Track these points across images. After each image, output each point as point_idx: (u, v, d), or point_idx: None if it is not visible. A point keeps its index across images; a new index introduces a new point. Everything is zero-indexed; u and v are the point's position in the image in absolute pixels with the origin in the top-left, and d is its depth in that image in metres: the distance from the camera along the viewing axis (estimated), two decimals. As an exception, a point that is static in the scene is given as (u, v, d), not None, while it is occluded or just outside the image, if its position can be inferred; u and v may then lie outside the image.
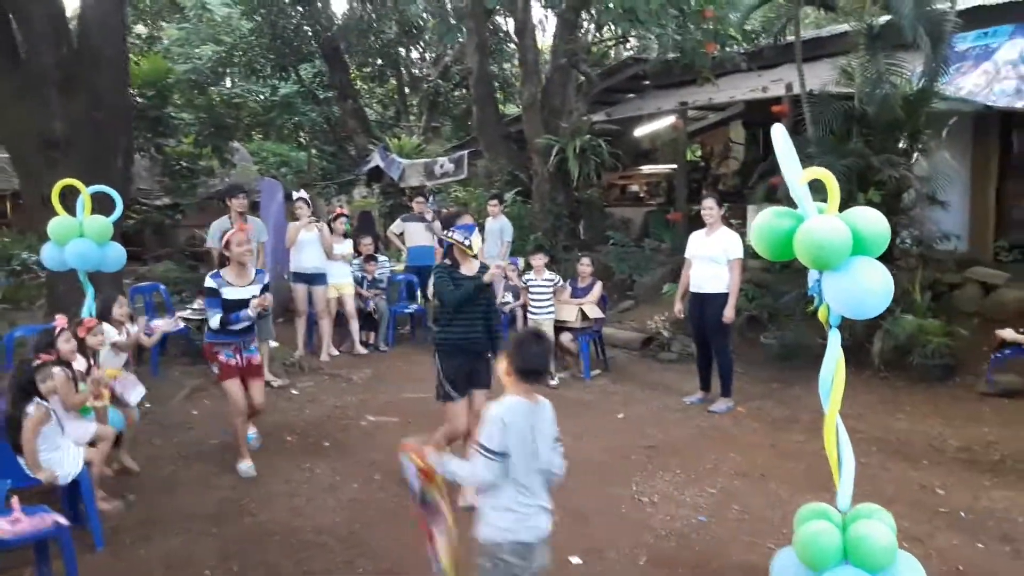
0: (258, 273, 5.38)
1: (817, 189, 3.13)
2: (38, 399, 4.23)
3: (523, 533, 2.89)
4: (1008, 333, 6.39)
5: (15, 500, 3.79)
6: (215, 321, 5.09)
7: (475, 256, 4.80)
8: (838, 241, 2.93)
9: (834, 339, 3.20)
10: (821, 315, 3.24)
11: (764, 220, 3.19)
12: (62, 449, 4.31)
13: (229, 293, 5.13)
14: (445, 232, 4.79)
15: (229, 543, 4.33)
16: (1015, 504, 4.55)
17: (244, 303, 5.14)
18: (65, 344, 4.58)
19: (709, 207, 6.49)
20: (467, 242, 4.67)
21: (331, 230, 8.76)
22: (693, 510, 4.63)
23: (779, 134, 3.16)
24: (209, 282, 5.17)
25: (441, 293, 4.68)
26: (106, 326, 5.29)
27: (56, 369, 4.38)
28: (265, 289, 5.31)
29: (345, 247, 8.91)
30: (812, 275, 3.19)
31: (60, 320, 4.71)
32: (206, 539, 4.38)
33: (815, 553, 3.20)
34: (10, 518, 3.66)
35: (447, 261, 4.77)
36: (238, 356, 5.26)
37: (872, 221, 3.02)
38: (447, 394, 4.68)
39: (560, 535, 4.26)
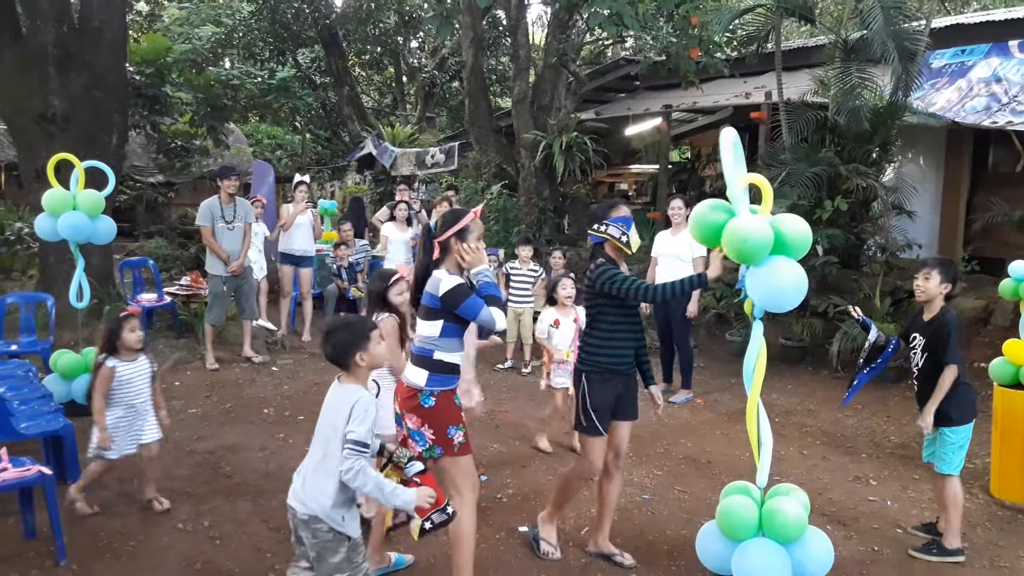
0: None
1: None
2: (111, 356, 4.34)
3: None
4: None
5: (3, 451, 4.06)
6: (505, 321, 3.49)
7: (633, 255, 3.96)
8: (760, 239, 3.21)
9: (757, 330, 3.48)
10: (747, 307, 3.54)
11: (700, 211, 3.48)
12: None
13: None
14: (595, 227, 3.88)
15: (203, 501, 4.63)
16: (939, 496, 4.87)
17: None
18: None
19: (676, 207, 6.78)
20: (624, 238, 3.81)
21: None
22: (639, 489, 4.94)
23: (727, 138, 3.44)
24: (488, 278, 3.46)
25: (636, 286, 3.67)
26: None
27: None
28: None
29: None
30: (741, 270, 3.49)
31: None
32: (182, 497, 4.68)
33: (733, 524, 3.51)
34: (-2, 467, 3.94)
35: (600, 260, 3.86)
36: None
37: (795, 226, 3.30)
38: (593, 428, 3.85)
39: (511, 507, 4.64)
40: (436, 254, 3.47)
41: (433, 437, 3.39)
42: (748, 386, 3.53)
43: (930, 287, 4.14)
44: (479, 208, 3.57)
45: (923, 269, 4.22)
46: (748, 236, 3.22)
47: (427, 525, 3.11)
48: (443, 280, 3.38)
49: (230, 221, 7.48)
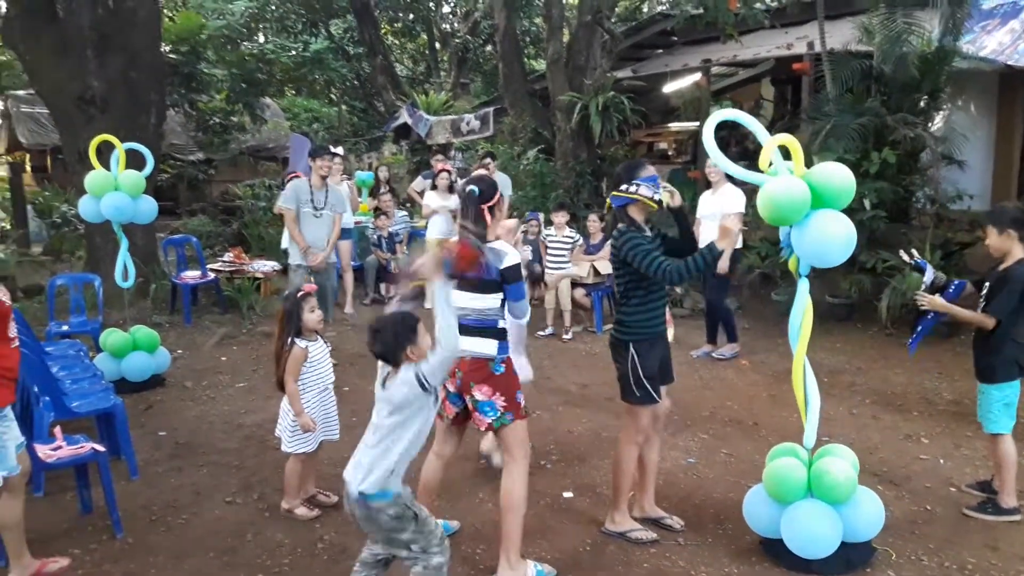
0: None
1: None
2: (298, 338, 4.04)
3: None
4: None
5: (57, 430, 4.18)
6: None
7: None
8: (790, 200, 3.15)
9: (802, 288, 3.41)
10: (791, 266, 3.44)
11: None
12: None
13: None
14: (624, 187, 3.63)
15: (252, 475, 4.70)
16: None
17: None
18: (310, 313, 4.08)
19: (713, 165, 6.63)
20: (656, 196, 3.62)
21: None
22: (684, 452, 4.90)
23: (709, 127, 3.35)
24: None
25: (662, 268, 3.46)
26: None
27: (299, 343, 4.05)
28: None
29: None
30: (783, 230, 3.40)
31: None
32: (231, 471, 4.76)
33: (781, 487, 3.47)
34: (52, 445, 4.05)
35: (621, 226, 3.67)
36: None
37: (831, 176, 3.20)
38: (648, 396, 3.68)
39: (557, 473, 4.64)
40: (488, 218, 3.35)
41: (504, 404, 3.43)
42: (794, 345, 3.46)
43: (993, 243, 3.98)
44: (493, 163, 3.51)
45: (981, 231, 4.06)
46: (776, 199, 3.17)
47: None
48: (509, 254, 3.34)
49: (319, 208, 6.72)
